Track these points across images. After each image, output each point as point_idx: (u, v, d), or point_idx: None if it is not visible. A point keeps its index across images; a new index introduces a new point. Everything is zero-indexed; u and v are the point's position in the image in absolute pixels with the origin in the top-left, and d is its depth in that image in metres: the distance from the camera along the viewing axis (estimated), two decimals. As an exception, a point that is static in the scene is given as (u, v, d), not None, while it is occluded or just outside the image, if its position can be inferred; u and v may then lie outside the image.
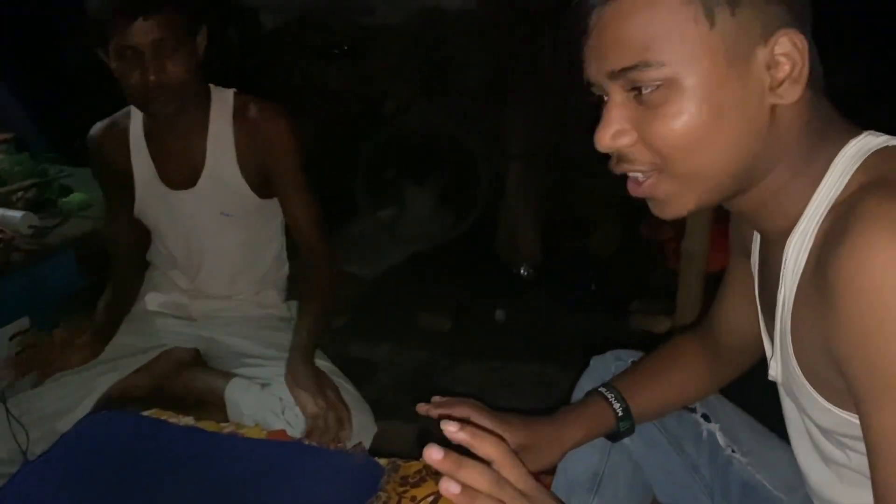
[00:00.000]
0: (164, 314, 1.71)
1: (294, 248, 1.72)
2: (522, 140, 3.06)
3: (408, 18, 3.34)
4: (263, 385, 1.50)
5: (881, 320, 0.61)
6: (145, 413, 1.27)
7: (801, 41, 0.68)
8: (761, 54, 0.69)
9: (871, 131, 0.73)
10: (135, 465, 1.06)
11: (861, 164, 0.70)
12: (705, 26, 0.68)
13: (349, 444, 1.27)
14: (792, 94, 0.69)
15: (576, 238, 3.10)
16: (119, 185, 1.64)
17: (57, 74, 3.05)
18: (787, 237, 0.75)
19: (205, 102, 1.56)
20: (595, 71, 0.73)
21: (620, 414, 1.06)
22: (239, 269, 1.70)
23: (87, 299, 1.70)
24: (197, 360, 1.64)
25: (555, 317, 2.64)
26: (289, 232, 1.71)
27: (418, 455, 1.16)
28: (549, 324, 2.62)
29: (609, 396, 1.08)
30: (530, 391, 2.16)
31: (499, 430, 0.97)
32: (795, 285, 0.75)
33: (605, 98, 0.75)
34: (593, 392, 1.10)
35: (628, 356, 1.18)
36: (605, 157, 0.78)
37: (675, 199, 0.75)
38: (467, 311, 2.77)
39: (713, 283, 1.13)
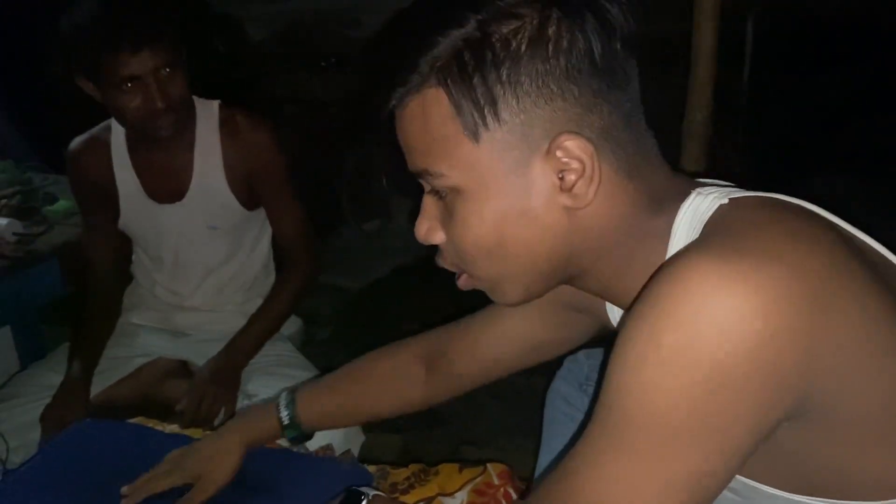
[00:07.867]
0: (150, 327, 1.69)
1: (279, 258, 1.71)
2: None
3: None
4: (250, 396, 1.50)
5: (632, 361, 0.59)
6: (129, 421, 1.26)
7: (582, 145, 0.64)
8: (544, 160, 0.65)
9: (698, 188, 0.69)
10: (119, 473, 1.05)
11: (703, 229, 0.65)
12: (471, 142, 0.65)
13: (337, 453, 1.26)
14: (587, 194, 0.65)
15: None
16: (101, 199, 1.61)
17: (41, 82, 3.03)
18: None
19: (191, 115, 1.54)
20: None
21: (286, 422, 1.07)
22: (226, 280, 1.69)
23: (70, 308, 1.67)
24: (183, 370, 1.63)
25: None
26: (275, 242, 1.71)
27: (406, 463, 1.17)
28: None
29: (280, 402, 1.08)
30: (517, 401, 2.16)
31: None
32: None
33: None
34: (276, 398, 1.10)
35: (600, 354, 1.17)
36: None
37: (495, 293, 0.74)
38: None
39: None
